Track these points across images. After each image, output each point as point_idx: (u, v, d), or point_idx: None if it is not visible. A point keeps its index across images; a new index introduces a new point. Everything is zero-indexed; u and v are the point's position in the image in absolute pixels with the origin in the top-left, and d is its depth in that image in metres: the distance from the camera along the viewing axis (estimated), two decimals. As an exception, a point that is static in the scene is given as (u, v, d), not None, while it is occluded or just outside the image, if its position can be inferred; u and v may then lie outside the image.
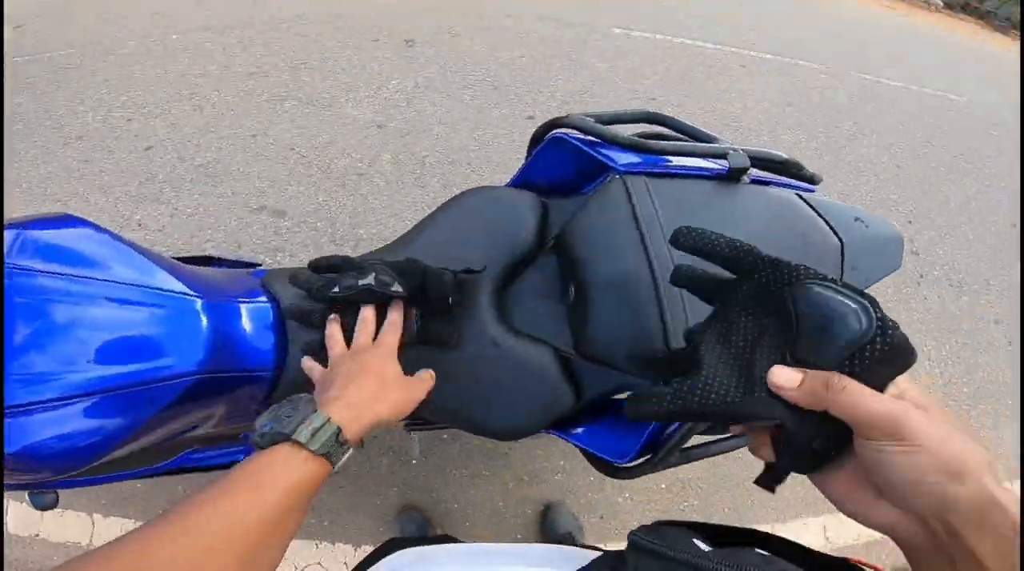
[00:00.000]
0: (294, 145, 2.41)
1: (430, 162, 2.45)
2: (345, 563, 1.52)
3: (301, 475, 0.43)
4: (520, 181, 0.91)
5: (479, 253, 0.79)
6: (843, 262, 0.80)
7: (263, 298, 0.75)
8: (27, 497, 1.03)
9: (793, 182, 0.89)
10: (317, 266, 0.74)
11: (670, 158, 0.82)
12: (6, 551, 1.50)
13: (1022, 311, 2.56)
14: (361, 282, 0.68)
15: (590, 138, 0.83)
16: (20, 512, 1.54)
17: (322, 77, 2.79)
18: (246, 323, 0.71)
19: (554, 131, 0.87)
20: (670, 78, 3.37)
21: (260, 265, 1.00)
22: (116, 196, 2.15)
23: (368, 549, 1.48)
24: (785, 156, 0.86)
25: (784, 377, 0.32)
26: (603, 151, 0.81)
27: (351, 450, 0.48)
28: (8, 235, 0.62)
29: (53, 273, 0.60)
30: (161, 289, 0.65)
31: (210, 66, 2.80)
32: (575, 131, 0.85)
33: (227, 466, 1.14)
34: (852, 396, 0.30)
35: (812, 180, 0.90)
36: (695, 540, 0.38)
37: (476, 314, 0.77)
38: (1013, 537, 0.26)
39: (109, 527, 1.53)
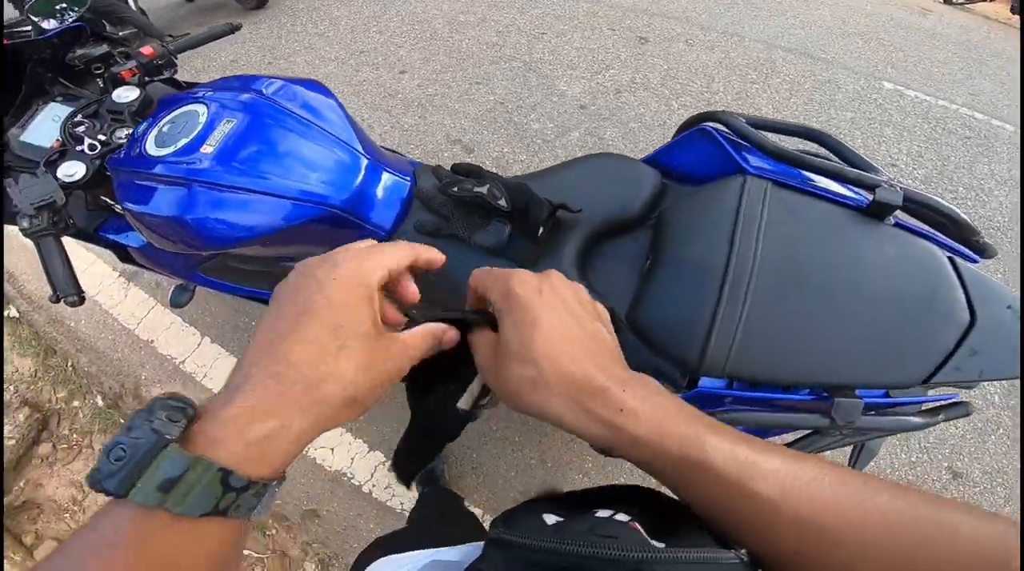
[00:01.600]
0: (504, 100, 2.70)
1: (612, 149, 2.54)
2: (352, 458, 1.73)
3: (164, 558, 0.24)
4: (652, 159, 0.96)
5: (587, 203, 0.85)
6: (962, 341, 0.70)
7: (407, 177, 0.94)
8: (169, 294, 1.34)
9: (952, 244, 0.79)
10: (456, 167, 0.91)
11: (809, 176, 0.80)
12: (123, 345, 2.03)
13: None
14: (476, 189, 0.83)
15: (735, 138, 0.85)
16: (149, 318, 2.06)
17: (551, 50, 3.03)
18: (386, 187, 0.91)
19: (704, 123, 0.90)
20: (917, 139, 2.91)
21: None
22: (364, 100, 2.69)
23: (379, 455, 1.70)
24: (960, 214, 0.76)
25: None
26: (741, 152, 0.83)
27: (275, 489, 0.28)
28: (278, 82, 0.92)
29: (291, 112, 0.87)
30: (348, 143, 0.88)
31: (469, 16, 3.24)
32: (724, 128, 0.87)
33: None
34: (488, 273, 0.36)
35: (981, 251, 0.79)
36: (544, 515, 0.34)
37: (559, 251, 0.85)
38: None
39: (205, 352, 1.98)
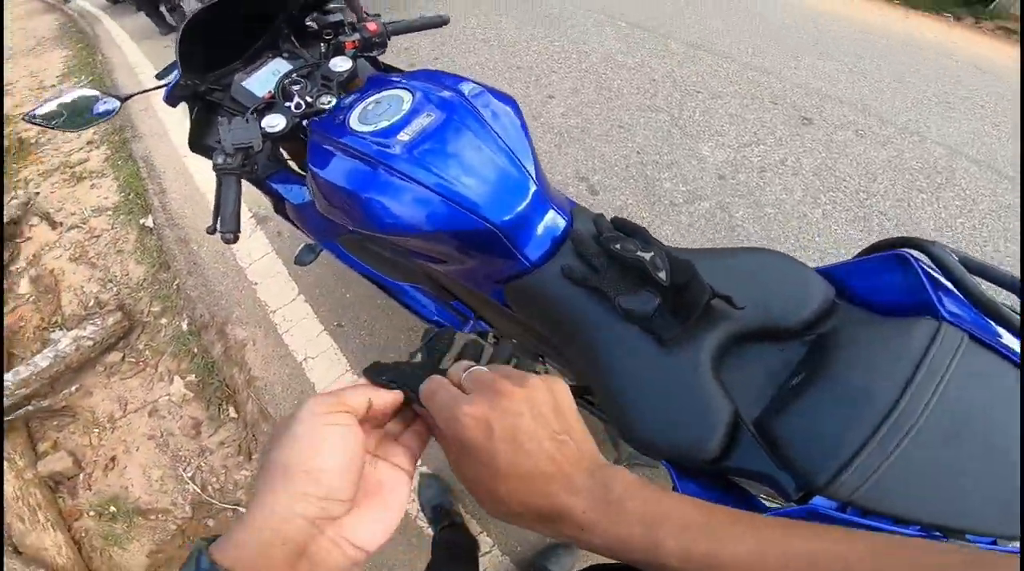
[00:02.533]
0: (642, 150, 2.62)
1: (739, 231, 2.38)
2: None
3: None
4: (827, 271, 0.87)
5: (747, 299, 0.79)
6: None
7: (566, 217, 0.91)
8: (297, 251, 1.45)
9: None
10: (621, 223, 0.87)
11: (1000, 331, 0.70)
12: (229, 280, 2.12)
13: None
14: (639, 253, 0.78)
15: (934, 273, 0.75)
16: (261, 263, 2.15)
17: (703, 110, 2.92)
18: (545, 220, 0.89)
19: (903, 249, 0.79)
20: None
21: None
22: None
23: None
24: None
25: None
26: (939, 292, 0.73)
27: None
28: (479, 88, 0.95)
29: (484, 121, 0.89)
30: (524, 167, 0.88)
31: (627, 57, 3.21)
32: (926, 259, 0.77)
33: (424, 319, 1.42)
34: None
35: None
36: None
37: (700, 340, 0.77)
38: None
39: (296, 309, 2.04)
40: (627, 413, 0.76)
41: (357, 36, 1.13)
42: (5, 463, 1.71)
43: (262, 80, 1.09)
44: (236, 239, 0.91)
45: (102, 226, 2.66)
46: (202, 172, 2.75)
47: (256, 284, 2.16)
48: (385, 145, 0.86)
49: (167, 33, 5.27)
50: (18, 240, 2.71)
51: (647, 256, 0.76)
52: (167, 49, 4.98)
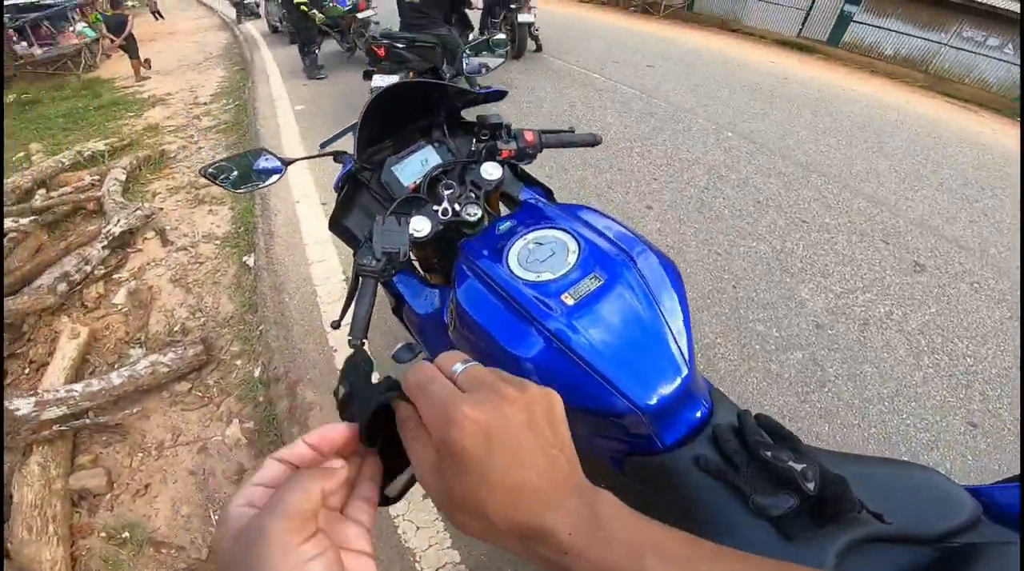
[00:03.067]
0: (737, 283, 2.52)
1: (829, 388, 2.20)
2: None
3: None
4: (977, 490, 0.81)
5: (887, 509, 0.74)
6: None
7: (707, 404, 0.85)
8: (397, 348, 1.26)
9: None
10: (767, 424, 0.80)
11: None
12: (311, 342, 2.17)
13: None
14: (791, 463, 0.72)
15: None
16: (344, 330, 2.18)
17: (808, 245, 2.79)
18: (686, 405, 0.82)
19: None
20: None
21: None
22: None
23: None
24: None
25: None
26: None
27: None
28: (647, 250, 0.90)
29: (649, 292, 0.84)
30: (680, 349, 0.82)
31: (732, 173, 3.15)
32: None
33: None
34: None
35: None
36: None
37: (831, 537, 0.73)
38: None
39: None
40: None
41: (513, 146, 1.09)
42: (37, 468, 1.73)
43: (410, 169, 1.09)
44: (361, 345, 0.86)
45: (207, 253, 2.87)
46: (309, 221, 2.92)
47: (336, 351, 2.21)
48: (547, 305, 0.81)
49: (311, 77, 5.84)
50: (129, 250, 2.95)
51: (799, 468, 0.72)
52: (305, 87, 5.48)
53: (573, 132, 1.22)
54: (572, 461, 0.33)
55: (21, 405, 1.83)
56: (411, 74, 3.84)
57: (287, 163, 1.12)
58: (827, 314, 2.46)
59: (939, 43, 8.47)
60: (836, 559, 0.72)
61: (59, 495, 1.72)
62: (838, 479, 0.72)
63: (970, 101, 6.75)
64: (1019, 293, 2.23)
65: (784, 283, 2.55)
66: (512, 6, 6.24)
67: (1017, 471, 0.80)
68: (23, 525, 1.59)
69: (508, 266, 0.87)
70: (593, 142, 1.21)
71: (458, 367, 0.34)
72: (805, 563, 0.70)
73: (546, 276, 0.85)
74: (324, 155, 1.20)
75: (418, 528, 1.61)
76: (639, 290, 0.84)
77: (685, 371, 0.82)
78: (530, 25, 6.26)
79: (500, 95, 1.22)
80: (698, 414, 0.85)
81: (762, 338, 2.30)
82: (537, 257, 0.88)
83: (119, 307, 2.56)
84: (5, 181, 3.56)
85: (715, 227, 2.79)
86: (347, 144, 1.17)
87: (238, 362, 2.27)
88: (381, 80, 3.72)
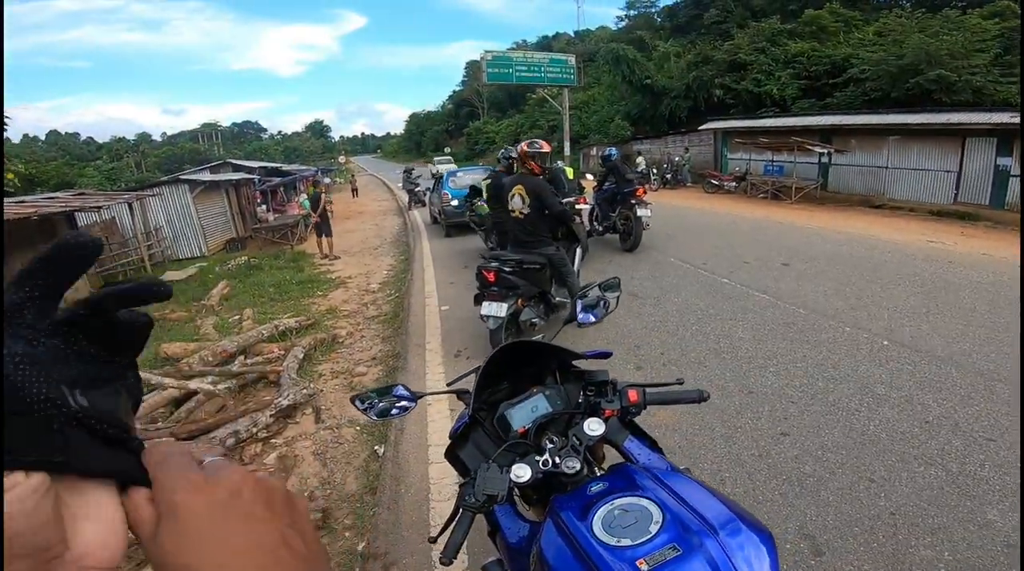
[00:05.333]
0: (898, 510, 2.06)
1: None
2: None
3: None
4: None
5: None
6: None
7: None
8: (487, 562, 1.32)
9: None
10: None
11: None
12: (414, 534, 2.09)
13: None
14: None
15: None
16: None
17: (995, 465, 2.23)
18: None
19: None
20: None
21: None
22: (730, 450, 2.52)
23: None
24: None
25: None
26: None
27: None
28: (733, 518, 0.90)
29: (729, 563, 0.83)
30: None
31: (890, 390, 2.75)
32: None
33: None
34: None
35: None
36: None
37: None
38: None
39: None
40: None
41: (616, 405, 1.15)
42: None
43: (522, 415, 1.18)
44: (450, 564, 0.96)
45: (348, 436, 3.20)
46: (435, 423, 3.15)
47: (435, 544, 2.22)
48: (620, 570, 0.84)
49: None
50: (289, 421, 3.44)
51: None
52: (452, 285, 6.33)
53: (682, 384, 1.26)
54: (314, 536, 0.33)
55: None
56: (519, 302, 3.92)
57: (418, 397, 1.32)
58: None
59: None
60: None
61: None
62: None
63: None
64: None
65: (963, 506, 2.06)
66: (632, 202, 6.88)
67: None
68: None
69: (592, 528, 0.91)
70: (699, 399, 1.22)
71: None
72: None
73: (624, 542, 0.87)
74: (449, 392, 1.41)
75: None
76: (721, 565, 0.82)
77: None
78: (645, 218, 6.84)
79: (605, 355, 1.34)
80: None
81: (928, 562, 1.86)
82: (621, 523, 0.91)
83: (268, 467, 2.92)
84: (227, 341, 4.52)
85: (868, 452, 2.38)
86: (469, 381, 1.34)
87: (347, 534, 2.39)
88: (490, 308, 3.80)
